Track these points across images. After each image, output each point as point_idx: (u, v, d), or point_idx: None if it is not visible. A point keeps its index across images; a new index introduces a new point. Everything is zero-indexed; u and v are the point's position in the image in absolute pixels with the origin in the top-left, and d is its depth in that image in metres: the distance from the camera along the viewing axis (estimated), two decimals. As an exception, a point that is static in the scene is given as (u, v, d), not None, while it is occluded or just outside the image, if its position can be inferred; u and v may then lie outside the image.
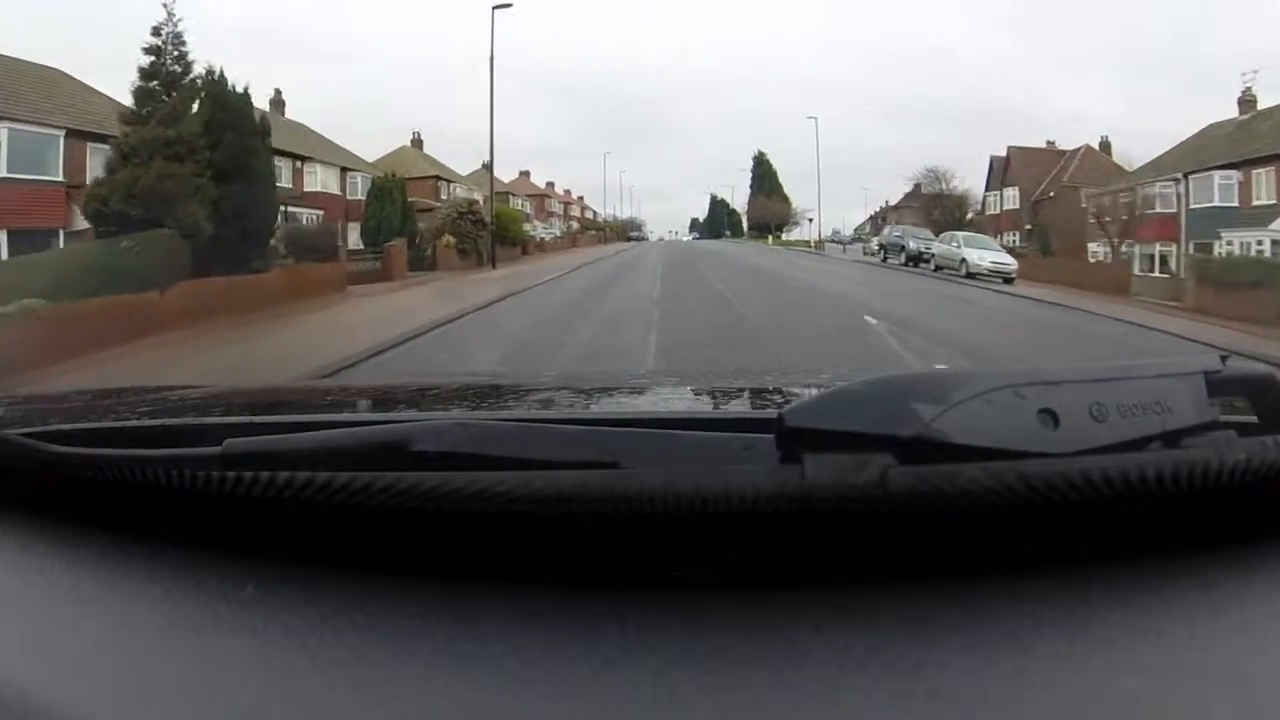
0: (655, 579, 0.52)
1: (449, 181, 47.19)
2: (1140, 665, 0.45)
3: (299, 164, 29.63)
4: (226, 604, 0.52)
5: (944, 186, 42.66)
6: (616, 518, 0.50)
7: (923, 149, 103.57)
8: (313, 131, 33.26)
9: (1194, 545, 0.54)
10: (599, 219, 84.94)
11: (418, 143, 49.77)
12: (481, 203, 28.83)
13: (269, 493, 0.53)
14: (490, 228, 26.80)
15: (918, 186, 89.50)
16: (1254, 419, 0.64)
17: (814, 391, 0.54)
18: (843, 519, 0.50)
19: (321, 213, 29.08)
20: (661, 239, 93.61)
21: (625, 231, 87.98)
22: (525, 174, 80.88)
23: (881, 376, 0.53)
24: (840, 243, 64.53)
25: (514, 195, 63.46)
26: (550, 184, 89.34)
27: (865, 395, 0.52)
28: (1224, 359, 0.62)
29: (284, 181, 29.08)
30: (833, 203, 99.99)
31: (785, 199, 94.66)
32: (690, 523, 0.50)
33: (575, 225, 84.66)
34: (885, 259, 29.45)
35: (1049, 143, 44.71)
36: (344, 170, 31.81)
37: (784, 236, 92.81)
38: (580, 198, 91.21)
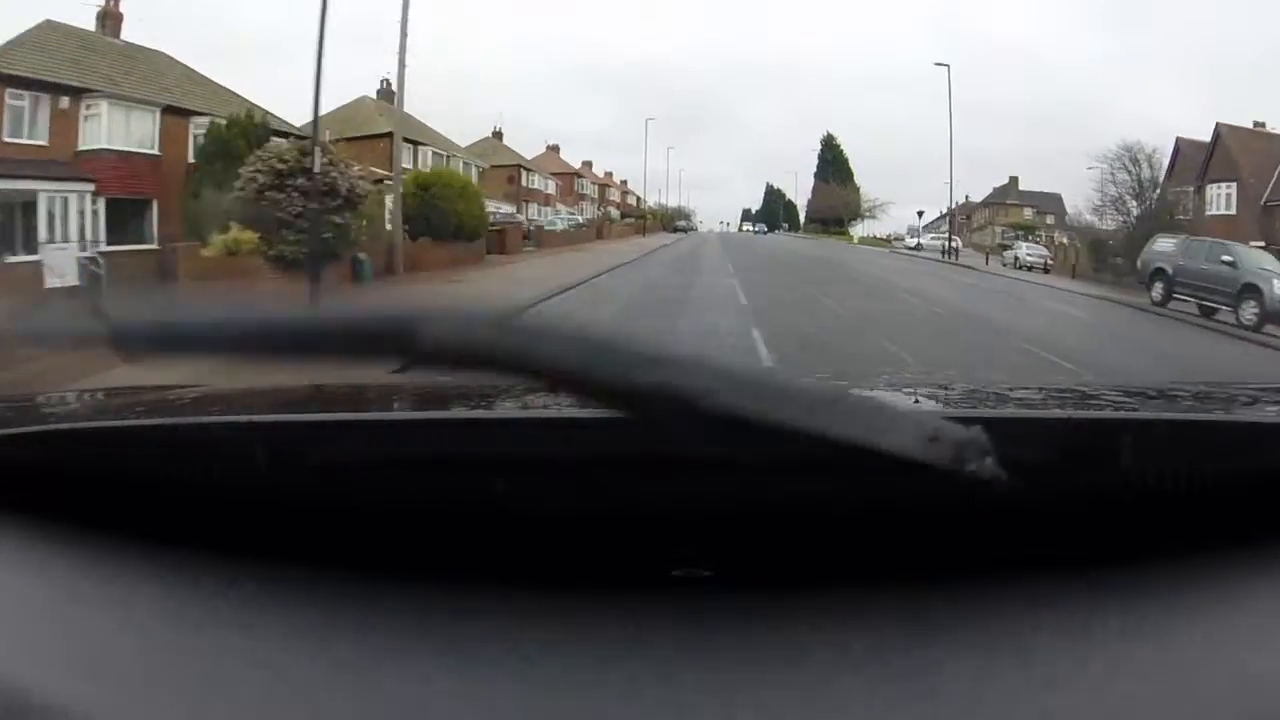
0: (655, 579, 0.51)
1: (418, 144, 34.45)
2: (1140, 665, 0.44)
3: (61, 101, 15.59)
4: (226, 603, 0.50)
5: (1144, 172, 27.86)
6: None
7: (989, 149, 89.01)
8: (168, 61, 19.75)
9: (1194, 545, 0.53)
10: (643, 205, 71.41)
11: (387, 94, 36.98)
12: (334, 155, 13.33)
13: (269, 495, 0.53)
14: (314, 201, 11.83)
15: (1014, 180, 74.65)
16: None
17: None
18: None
19: (90, 189, 15.17)
20: (711, 231, 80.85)
21: (671, 221, 74.30)
22: (553, 148, 67.29)
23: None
24: (911, 242, 50.96)
25: (530, 171, 50.43)
26: (587, 163, 76.10)
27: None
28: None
29: (30, 134, 15.07)
30: (896, 200, 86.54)
31: (856, 189, 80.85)
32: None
33: (613, 210, 71.74)
34: (1165, 300, 14.73)
35: (1258, 123, 30.33)
36: (178, 114, 17.57)
37: (852, 231, 79.42)
38: (624, 182, 78.09)
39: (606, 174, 79.56)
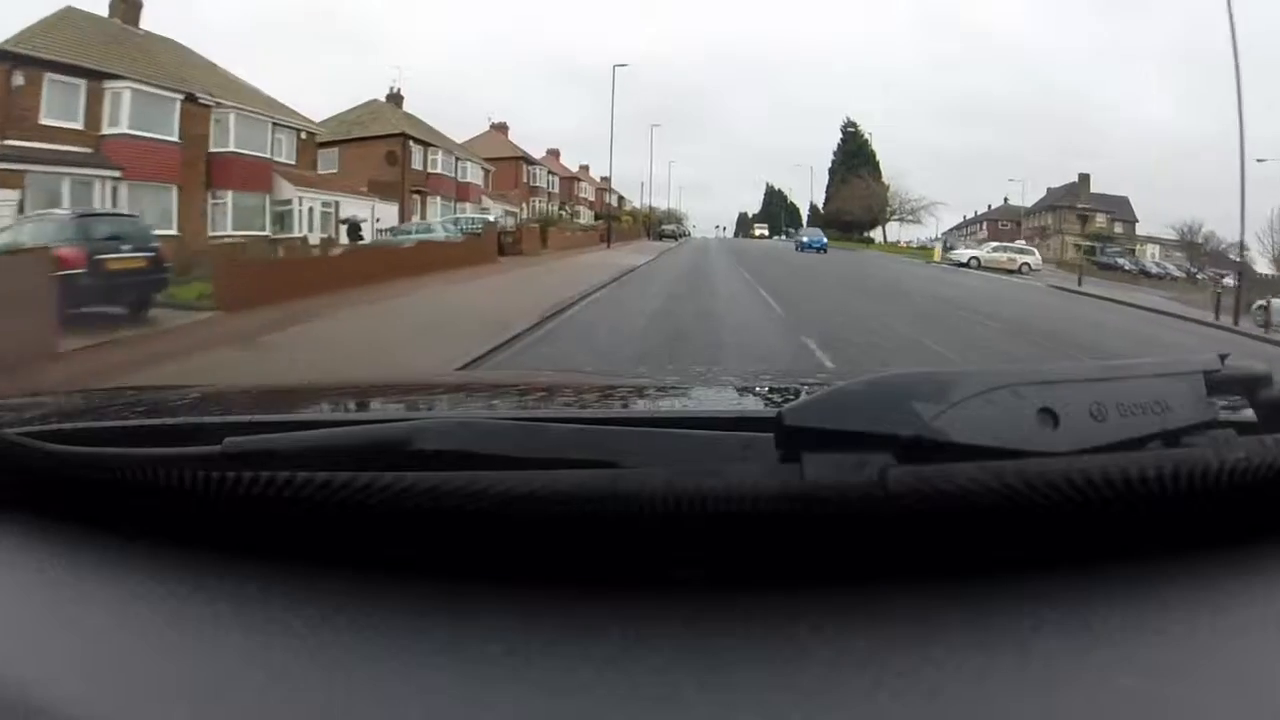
0: (655, 579, 0.50)
1: (105, 77, 15.97)
2: (1140, 665, 0.44)
3: None
4: (227, 603, 0.50)
5: None
6: (616, 517, 0.49)
7: (988, 147, 74.28)
8: None
9: (1194, 545, 0.53)
10: (624, 207, 55.61)
11: (131, 8, 18.62)
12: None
13: (269, 492, 0.52)
14: None
15: (1084, 178, 58.97)
16: (1253, 418, 0.63)
17: (815, 391, 0.52)
18: (843, 518, 0.48)
19: None
20: (707, 238, 65.52)
21: (658, 225, 58.49)
22: (499, 127, 49.75)
23: (882, 375, 0.52)
24: (957, 255, 35.94)
25: (432, 147, 34.57)
26: (553, 152, 60.35)
27: (865, 394, 0.50)
28: (1223, 358, 0.61)
29: None
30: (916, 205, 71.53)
31: (885, 185, 65.35)
32: (690, 522, 0.49)
33: (582, 210, 56.09)
34: None
35: None
36: None
37: (878, 238, 64.21)
38: (604, 179, 62.52)
39: (581, 167, 63.82)
